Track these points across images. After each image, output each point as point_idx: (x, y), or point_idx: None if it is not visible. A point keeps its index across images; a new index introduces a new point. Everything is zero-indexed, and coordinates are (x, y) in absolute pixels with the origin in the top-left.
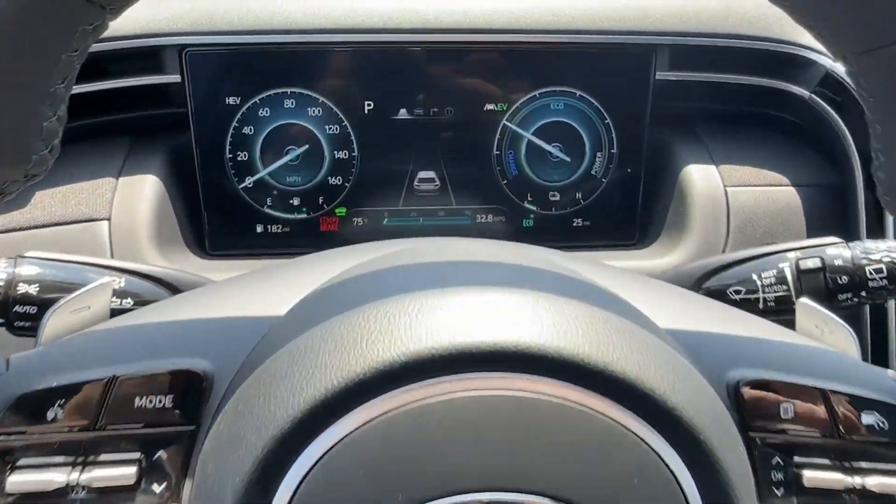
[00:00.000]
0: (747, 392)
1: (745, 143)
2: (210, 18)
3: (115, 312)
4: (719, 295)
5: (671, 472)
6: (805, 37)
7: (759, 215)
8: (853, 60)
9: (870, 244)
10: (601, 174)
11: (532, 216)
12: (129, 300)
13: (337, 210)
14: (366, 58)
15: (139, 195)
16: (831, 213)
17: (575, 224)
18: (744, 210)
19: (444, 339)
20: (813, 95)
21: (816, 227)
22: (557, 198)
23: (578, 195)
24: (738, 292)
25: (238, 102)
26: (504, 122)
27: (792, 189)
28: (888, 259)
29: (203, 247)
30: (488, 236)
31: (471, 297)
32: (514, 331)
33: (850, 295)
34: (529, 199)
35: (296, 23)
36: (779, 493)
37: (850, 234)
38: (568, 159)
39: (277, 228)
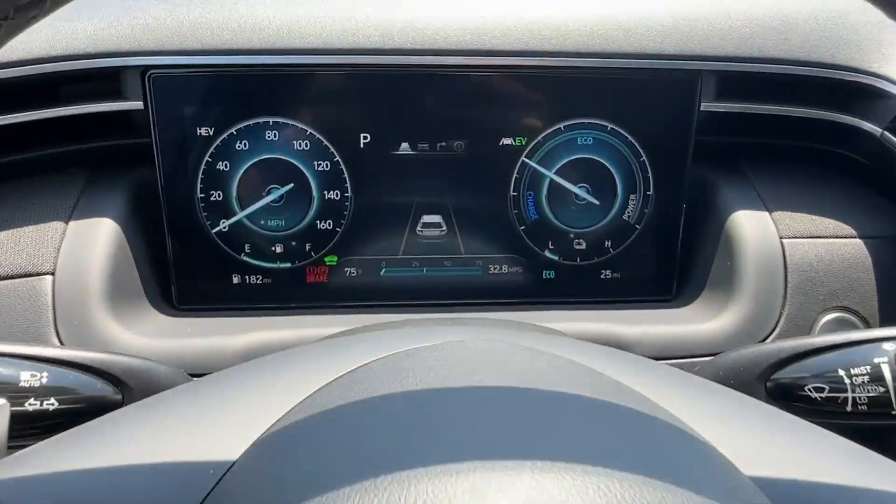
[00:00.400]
0: None
1: (802, 186)
2: (178, 35)
3: (34, 418)
4: (794, 391)
5: None
6: (878, 63)
7: (821, 273)
8: None
9: None
10: (634, 219)
11: (553, 267)
12: (53, 401)
13: (326, 259)
14: (362, 83)
15: (92, 242)
16: None
17: (603, 276)
18: (803, 266)
19: None
20: (886, 133)
21: (891, 288)
22: (583, 246)
23: (608, 243)
24: (819, 390)
25: (211, 133)
26: (523, 158)
27: (860, 241)
28: None
29: (170, 301)
30: (502, 289)
31: (496, 483)
32: None
33: None
34: (551, 247)
35: (280, 42)
36: None
37: None
38: (596, 202)
39: (257, 279)
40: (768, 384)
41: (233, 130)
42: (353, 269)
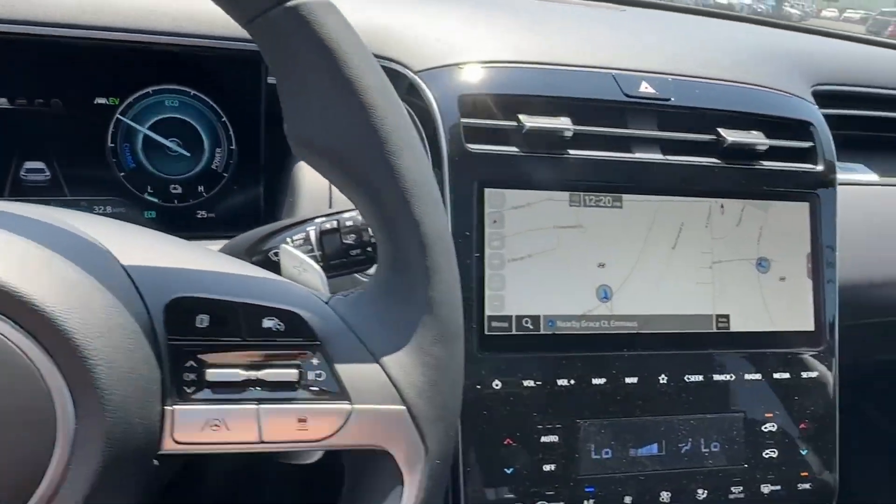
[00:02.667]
0: (174, 308)
1: None
2: None
3: None
4: (265, 259)
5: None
6: None
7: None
8: (249, 28)
9: None
10: (222, 169)
11: (155, 208)
12: None
13: None
14: None
15: None
16: None
17: (199, 216)
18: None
19: None
20: None
21: None
22: (180, 191)
23: (201, 188)
24: (276, 255)
25: None
26: (118, 115)
27: None
28: (360, 222)
29: None
30: None
31: None
32: None
33: (359, 251)
34: (150, 191)
35: None
36: (190, 390)
37: None
38: (188, 154)
39: None
40: (254, 259)
41: None
42: None
